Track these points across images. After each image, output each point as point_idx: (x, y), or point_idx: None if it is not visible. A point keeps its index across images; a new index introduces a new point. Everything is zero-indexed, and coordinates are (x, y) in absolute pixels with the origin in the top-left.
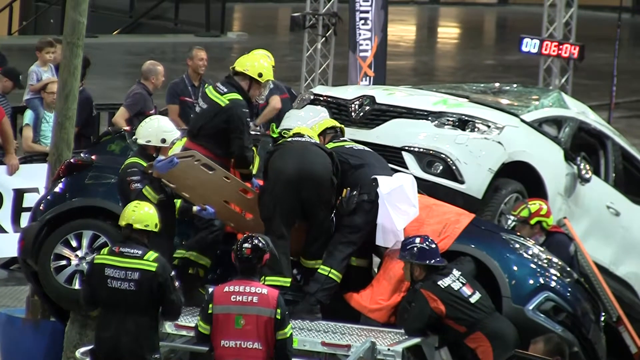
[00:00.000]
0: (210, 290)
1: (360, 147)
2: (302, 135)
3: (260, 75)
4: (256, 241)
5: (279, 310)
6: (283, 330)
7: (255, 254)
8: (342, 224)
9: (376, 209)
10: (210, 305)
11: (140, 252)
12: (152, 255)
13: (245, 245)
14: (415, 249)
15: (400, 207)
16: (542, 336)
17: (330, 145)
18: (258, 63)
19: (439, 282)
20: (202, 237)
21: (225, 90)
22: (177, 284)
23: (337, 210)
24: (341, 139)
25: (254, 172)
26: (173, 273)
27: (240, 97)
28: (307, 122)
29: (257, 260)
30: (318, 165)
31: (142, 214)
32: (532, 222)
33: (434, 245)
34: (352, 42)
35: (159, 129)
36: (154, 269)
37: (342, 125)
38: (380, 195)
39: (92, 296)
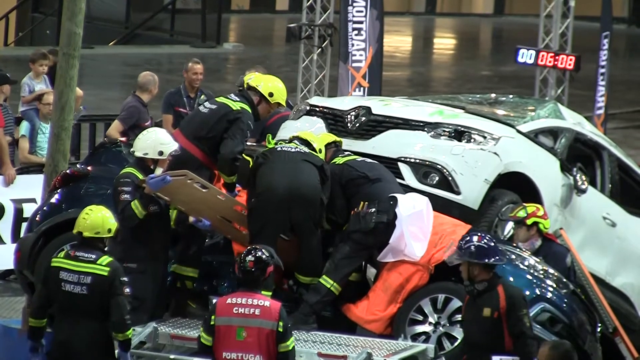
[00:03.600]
0: (214, 301)
1: (370, 160)
2: (292, 140)
3: (270, 94)
4: (259, 253)
5: (281, 323)
6: (285, 342)
7: (257, 266)
8: (353, 239)
9: (391, 229)
10: (213, 317)
11: (94, 256)
12: (105, 259)
13: (248, 257)
14: (472, 247)
15: (416, 232)
16: (552, 341)
17: (340, 160)
18: (272, 84)
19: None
20: (185, 247)
21: (238, 99)
22: (127, 290)
23: (350, 222)
24: (346, 153)
25: None
26: (125, 279)
27: (249, 110)
28: None
29: (260, 273)
30: (309, 186)
31: (92, 220)
32: (529, 222)
33: (492, 244)
34: (343, 53)
35: (156, 141)
36: (106, 274)
37: (340, 139)
38: (399, 216)
39: (47, 300)
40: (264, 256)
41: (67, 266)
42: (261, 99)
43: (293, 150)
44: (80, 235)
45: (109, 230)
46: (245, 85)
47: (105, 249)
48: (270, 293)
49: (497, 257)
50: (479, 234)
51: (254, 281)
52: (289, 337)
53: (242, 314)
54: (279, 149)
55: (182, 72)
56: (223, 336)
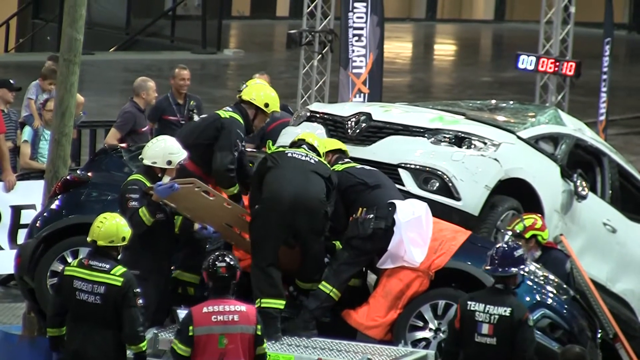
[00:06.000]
0: (180, 312)
1: (369, 167)
2: (300, 144)
3: (266, 105)
4: (228, 258)
5: (259, 326)
6: (262, 345)
7: (230, 271)
8: (351, 245)
9: (390, 235)
10: (191, 327)
11: (108, 266)
12: (119, 269)
13: (220, 264)
14: (492, 253)
15: (416, 238)
16: (563, 348)
17: (340, 167)
18: (265, 93)
19: (469, 302)
20: (188, 253)
21: (230, 109)
22: (140, 302)
23: (349, 228)
24: (345, 160)
25: None
26: (138, 290)
27: (241, 120)
28: None
29: (231, 277)
30: (315, 199)
31: (107, 228)
32: (527, 235)
33: (502, 255)
34: (343, 59)
35: (165, 151)
36: (119, 284)
37: (347, 149)
38: (398, 222)
39: (62, 308)
40: (232, 261)
41: (81, 275)
42: (257, 111)
43: (303, 158)
44: (95, 244)
45: (123, 239)
46: (238, 99)
47: (119, 257)
48: None
49: (488, 267)
50: (509, 245)
51: (227, 287)
52: (264, 339)
53: (221, 321)
54: (289, 154)
55: (169, 80)
56: (203, 346)
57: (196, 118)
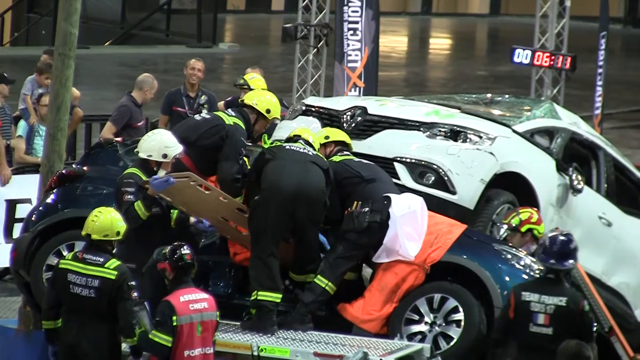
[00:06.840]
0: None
1: (367, 161)
2: (296, 140)
3: (268, 111)
4: (186, 247)
5: (218, 313)
6: (217, 331)
7: (192, 258)
8: (347, 239)
9: (385, 229)
10: (174, 317)
11: (102, 259)
12: (113, 263)
13: (184, 252)
14: (546, 242)
15: (411, 232)
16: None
17: (338, 158)
18: (267, 100)
19: (523, 292)
20: None
21: (233, 114)
22: (135, 295)
23: (344, 222)
24: (345, 152)
25: None
26: (133, 283)
27: (243, 126)
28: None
29: (194, 264)
30: (316, 189)
31: (102, 222)
32: (523, 229)
33: (559, 246)
34: (338, 53)
35: (161, 144)
36: (113, 277)
37: (350, 142)
38: (393, 216)
39: (56, 301)
40: (190, 249)
41: (75, 269)
42: (258, 116)
43: (301, 150)
44: (89, 237)
45: (118, 233)
46: (240, 102)
47: (114, 251)
48: None
49: (542, 256)
50: (565, 235)
51: (190, 274)
52: None
53: (197, 309)
54: (287, 147)
55: (183, 70)
56: (187, 335)
57: (204, 114)
